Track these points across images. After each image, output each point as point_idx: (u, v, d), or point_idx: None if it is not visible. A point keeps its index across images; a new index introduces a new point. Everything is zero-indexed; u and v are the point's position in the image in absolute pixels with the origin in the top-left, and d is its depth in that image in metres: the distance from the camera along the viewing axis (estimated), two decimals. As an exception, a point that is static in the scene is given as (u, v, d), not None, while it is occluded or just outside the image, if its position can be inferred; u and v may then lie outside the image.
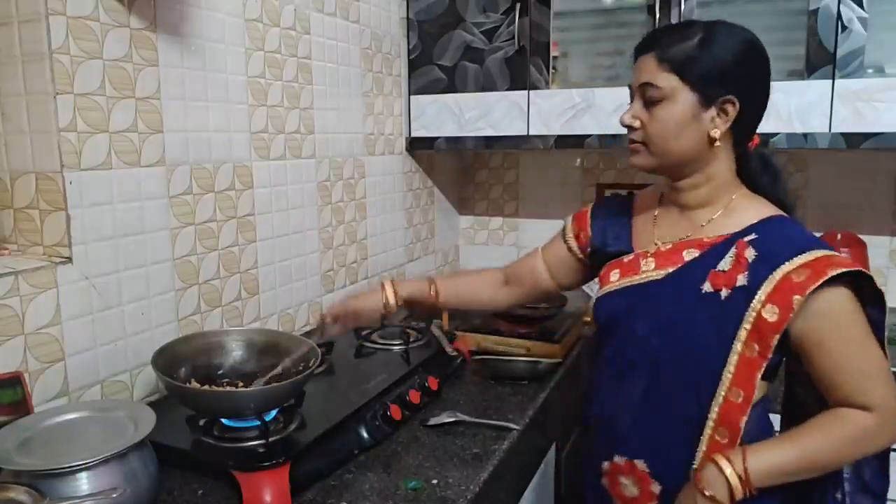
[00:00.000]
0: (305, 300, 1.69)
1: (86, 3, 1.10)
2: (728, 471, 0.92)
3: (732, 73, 0.97)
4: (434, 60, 2.02)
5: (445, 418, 1.25)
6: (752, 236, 0.99)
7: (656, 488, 1.03)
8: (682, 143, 1.00)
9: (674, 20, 1.71)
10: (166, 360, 1.13)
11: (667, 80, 0.98)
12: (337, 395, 1.28)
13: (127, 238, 1.20)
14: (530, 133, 1.91)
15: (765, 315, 0.93)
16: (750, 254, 0.97)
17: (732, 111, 0.98)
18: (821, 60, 1.61)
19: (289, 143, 1.59)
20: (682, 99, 0.98)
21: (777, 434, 1.02)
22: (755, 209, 1.03)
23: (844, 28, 1.58)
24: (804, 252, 0.94)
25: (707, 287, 0.99)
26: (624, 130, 1.05)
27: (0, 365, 1.01)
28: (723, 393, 0.96)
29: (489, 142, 1.97)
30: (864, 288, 0.96)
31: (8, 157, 1.12)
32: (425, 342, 1.58)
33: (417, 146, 2.10)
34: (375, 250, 1.98)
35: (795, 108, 1.64)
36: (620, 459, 1.06)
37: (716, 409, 0.96)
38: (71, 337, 1.11)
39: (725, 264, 0.99)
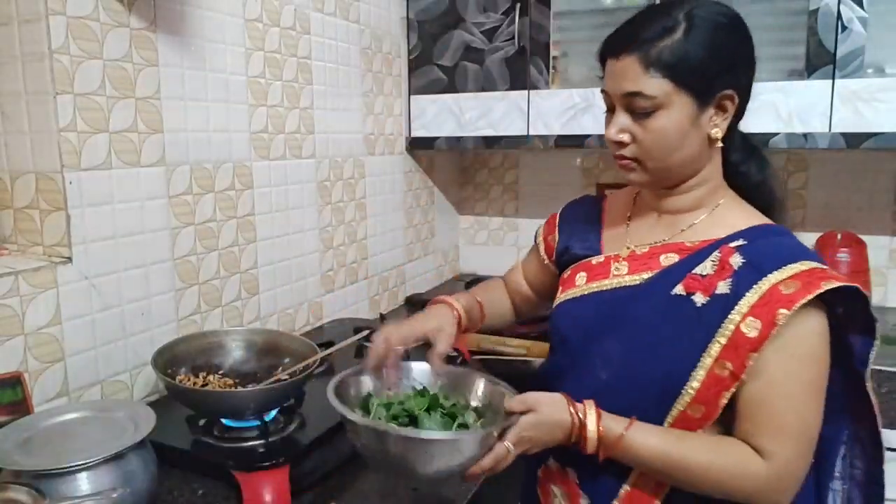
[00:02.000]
0: (305, 300, 1.69)
1: (86, 3, 1.10)
2: (593, 423, 0.83)
3: (725, 62, 0.85)
4: (434, 60, 2.02)
5: (445, 418, 1.25)
6: (740, 242, 0.87)
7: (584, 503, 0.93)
8: (684, 154, 0.88)
9: (674, 20, 1.71)
10: (166, 360, 1.13)
11: (659, 87, 0.84)
12: (337, 395, 1.27)
13: (127, 238, 1.20)
14: (530, 133, 1.91)
15: (743, 329, 0.81)
16: (736, 260, 0.85)
17: (731, 106, 0.87)
18: (821, 60, 1.61)
19: (289, 143, 1.59)
20: (678, 105, 0.85)
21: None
22: (743, 215, 0.92)
23: (844, 28, 1.57)
24: (796, 261, 0.82)
25: (679, 290, 0.87)
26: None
27: (0, 365, 1.01)
28: (680, 408, 0.85)
29: (489, 142, 1.97)
30: (855, 312, 0.84)
31: (8, 157, 1.12)
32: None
33: (417, 146, 2.10)
34: (375, 250, 1.98)
35: (795, 108, 1.64)
36: (553, 464, 0.97)
37: (668, 423, 0.85)
38: (71, 337, 1.11)
39: (706, 268, 0.87)
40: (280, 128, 1.56)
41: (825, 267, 0.83)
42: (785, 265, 0.82)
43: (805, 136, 1.64)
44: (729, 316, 0.82)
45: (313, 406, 1.19)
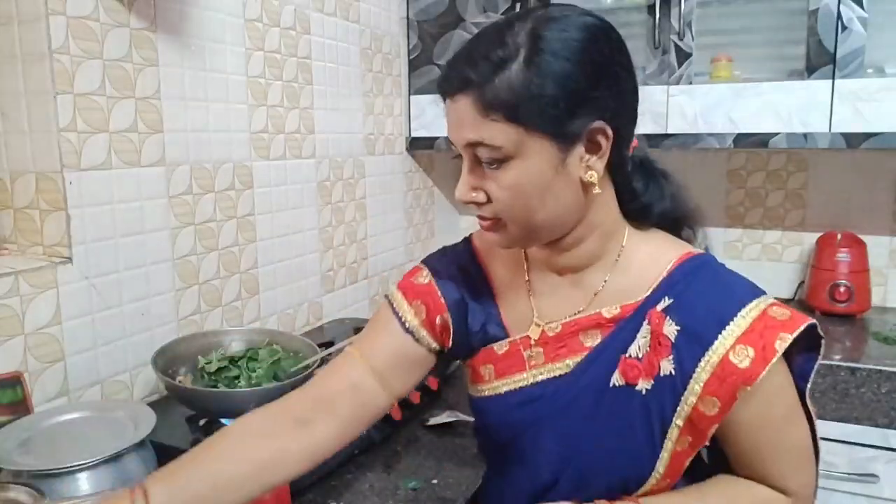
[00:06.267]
0: (305, 300, 1.69)
1: (86, 3, 1.10)
2: None
3: (584, 90, 0.68)
4: (434, 60, 2.02)
5: (445, 418, 1.25)
6: (666, 302, 0.75)
7: None
8: (554, 207, 0.72)
9: (674, 20, 1.71)
10: (166, 360, 1.13)
11: (503, 134, 0.68)
12: (337, 395, 1.27)
13: (127, 238, 1.20)
14: (530, 133, 1.91)
15: (702, 408, 0.72)
16: (670, 330, 0.74)
17: (605, 141, 0.71)
18: (821, 60, 1.61)
19: (289, 143, 1.59)
20: (532, 151, 0.69)
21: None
22: (653, 255, 0.79)
23: (844, 28, 1.57)
24: (735, 315, 0.72)
25: (618, 379, 0.76)
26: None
27: (0, 365, 1.01)
28: (648, 488, 0.78)
29: (489, 142, 1.97)
30: (807, 336, 0.74)
31: (8, 157, 1.12)
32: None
33: (417, 146, 2.09)
34: (375, 250, 1.98)
35: (795, 108, 1.64)
36: None
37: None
38: (71, 337, 1.11)
39: (640, 348, 0.75)
40: (280, 128, 1.56)
41: (766, 306, 0.73)
42: (725, 325, 0.72)
43: (805, 136, 1.64)
44: (682, 397, 0.73)
45: (313, 406, 1.19)
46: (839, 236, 1.89)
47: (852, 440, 1.51)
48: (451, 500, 1.01)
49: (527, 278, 0.84)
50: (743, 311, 0.73)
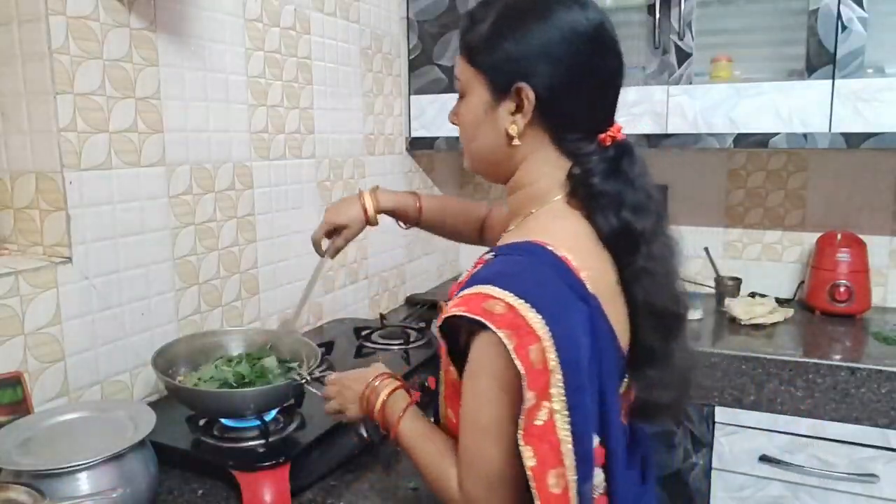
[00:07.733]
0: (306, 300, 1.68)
1: (86, 3, 1.10)
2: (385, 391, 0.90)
3: (528, 56, 0.80)
4: (434, 60, 2.02)
5: (445, 418, 1.25)
6: (490, 256, 0.82)
7: None
8: (481, 142, 0.86)
9: (674, 20, 1.71)
10: (166, 360, 1.13)
11: (462, 70, 0.86)
12: (337, 395, 1.27)
13: (127, 238, 1.20)
14: (530, 133, 1.91)
15: (441, 341, 0.82)
16: (466, 279, 0.81)
17: (527, 103, 0.80)
18: (821, 60, 1.61)
19: (289, 143, 1.59)
20: (476, 91, 0.85)
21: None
22: (535, 229, 0.82)
23: (844, 28, 1.58)
24: (477, 284, 0.75)
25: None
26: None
27: (0, 365, 1.01)
28: (443, 412, 0.88)
29: (489, 142, 1.97)
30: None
31: (8, 157, 1.12)
32: (425, 342, 1.58)
33: (417, 146, 2.10)
34: (375, 250, 1.97)
35: (795, 108, 1.64)
36: None
37: (442, 422, 0.89)
38: (71, 337, 1.11)
39: (461, 278, 0.85)
40: (280, 128, 1.56)
41: (483, 292, 0.73)
42: (471, 286, 0.76)
43: (805, 136, 1.65)
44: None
45: (313, 406, 1.19)
46: (839, 236, 1.89)
47: (852, 440, 1.51)
48: (451, 500, 1.01)
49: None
50: (476, 287, 0.75)
